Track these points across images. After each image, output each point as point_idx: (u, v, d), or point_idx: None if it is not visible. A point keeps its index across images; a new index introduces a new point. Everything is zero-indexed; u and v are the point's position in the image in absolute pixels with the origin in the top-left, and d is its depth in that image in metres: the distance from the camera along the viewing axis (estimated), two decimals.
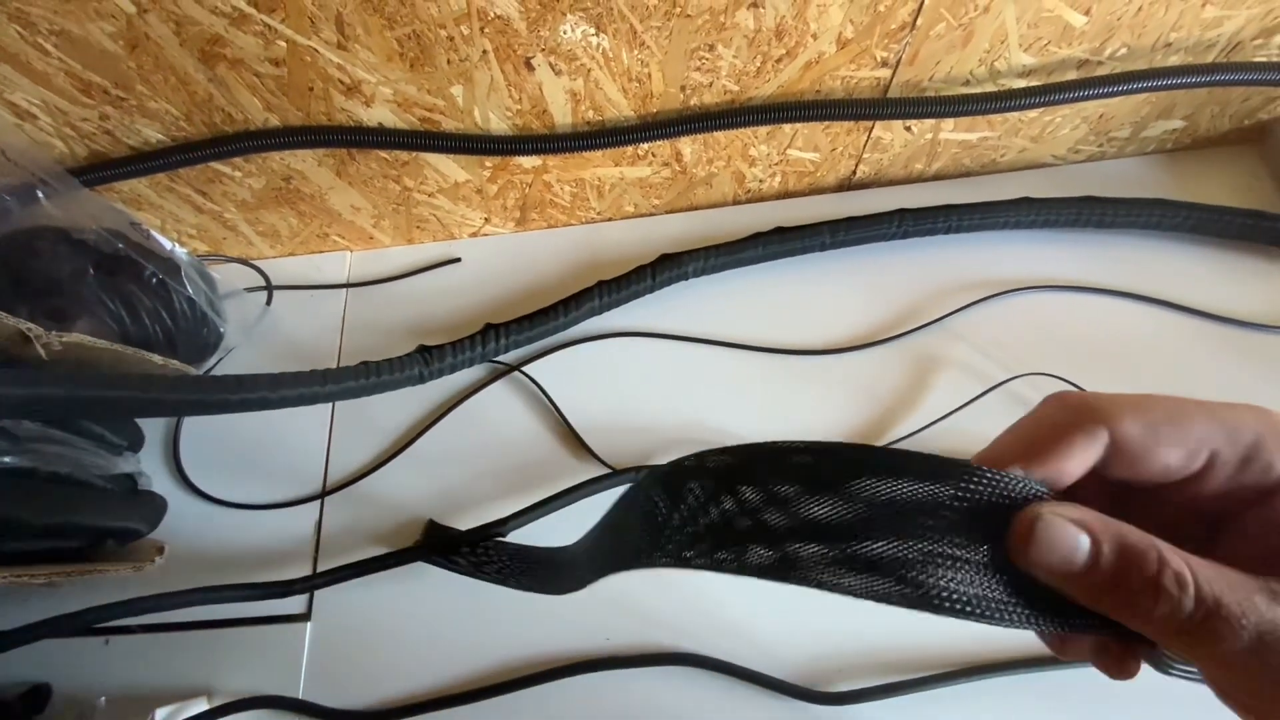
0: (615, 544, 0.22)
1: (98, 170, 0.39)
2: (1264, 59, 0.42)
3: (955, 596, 0.14)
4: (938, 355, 0.43)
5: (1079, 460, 0.14)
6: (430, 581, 0.39)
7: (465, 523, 0.40)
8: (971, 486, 0.14)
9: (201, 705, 0.36)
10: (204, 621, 0.38)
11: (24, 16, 0.32)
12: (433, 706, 0.36)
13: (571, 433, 0.42)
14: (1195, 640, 0.13)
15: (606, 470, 0.41)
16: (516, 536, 0.39)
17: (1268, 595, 0.13)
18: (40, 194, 0.36)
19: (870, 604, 0.15)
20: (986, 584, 0.14)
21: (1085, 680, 0.34)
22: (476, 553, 0.37)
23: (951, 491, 0.14)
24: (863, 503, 0.15)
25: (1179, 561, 0.13)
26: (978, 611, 0.14)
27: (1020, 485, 0.15)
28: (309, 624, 0.39)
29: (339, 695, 0.36)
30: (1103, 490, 0.16)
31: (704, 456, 0.18)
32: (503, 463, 0.42)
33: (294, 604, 0.39)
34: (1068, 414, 0.15)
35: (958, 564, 0.14)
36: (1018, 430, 0.15)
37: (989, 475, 0.14)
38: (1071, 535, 0.14)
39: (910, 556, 0.14)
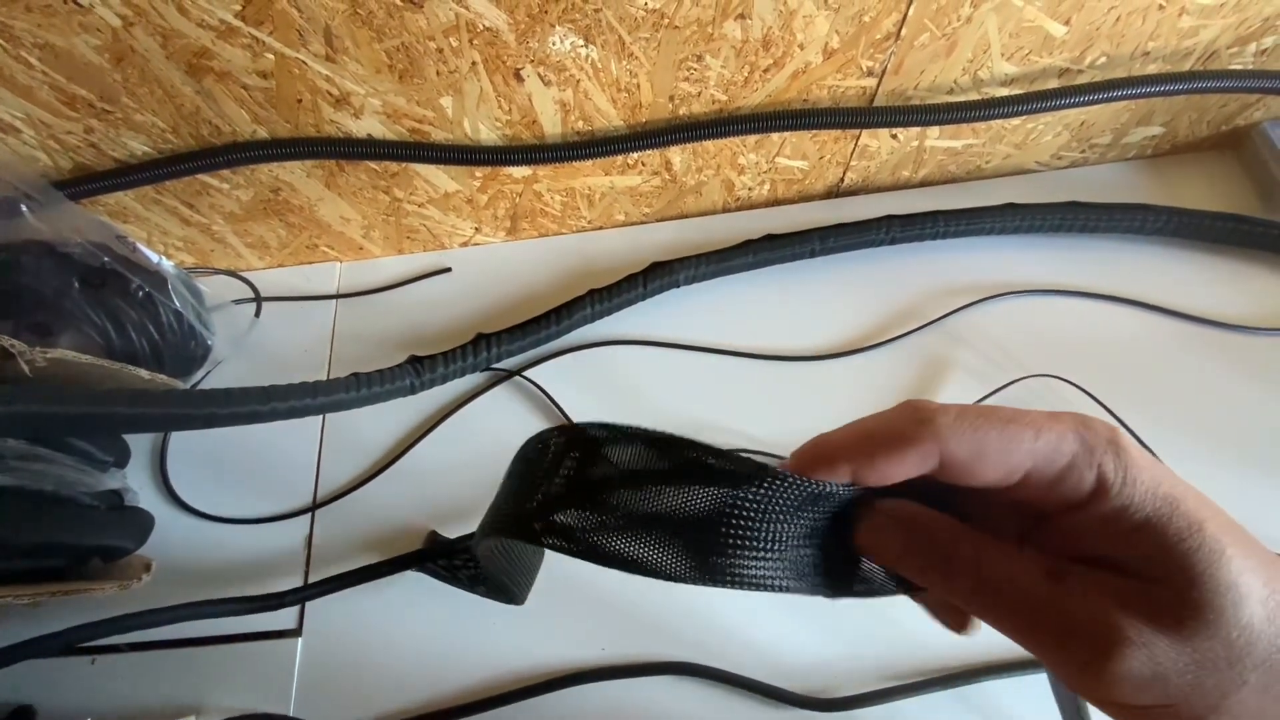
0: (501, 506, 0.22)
1: (82, 183, 0.39)
2: (1240, 66, 0.43)
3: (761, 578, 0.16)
4: (924, 360, 0.44)
5: (906, 469, 0.16)
6: (423, 595, 0.38)
7: (462, 532, 0.39)
8: (778, 485, 0.16)
9: None
10: (192, 639, 0.38)
11: (7, 30, 0.32)
12: None
13: None
14: (981, 606, 0.16)
15: None
16: None
17: (1049, 578, 0.15)
18: (24, 208, 0.36)
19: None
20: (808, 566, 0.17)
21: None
22: (459, 561, 0.37)
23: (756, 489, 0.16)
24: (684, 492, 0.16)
25: (968, 549, 0.16)
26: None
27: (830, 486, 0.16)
28: (300, 639, 0.38)
29: (331, 712, 0.36)
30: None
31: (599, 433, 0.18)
32: (501, 469, 0.42)
33: (285, 619, 0.38)
34: (909, 425, 0.16)
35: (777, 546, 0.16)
36: (863, 426, 0.17)
37: (793, 480, 0.16)
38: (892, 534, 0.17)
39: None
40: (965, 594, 0.16)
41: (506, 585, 0.31)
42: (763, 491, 0.16)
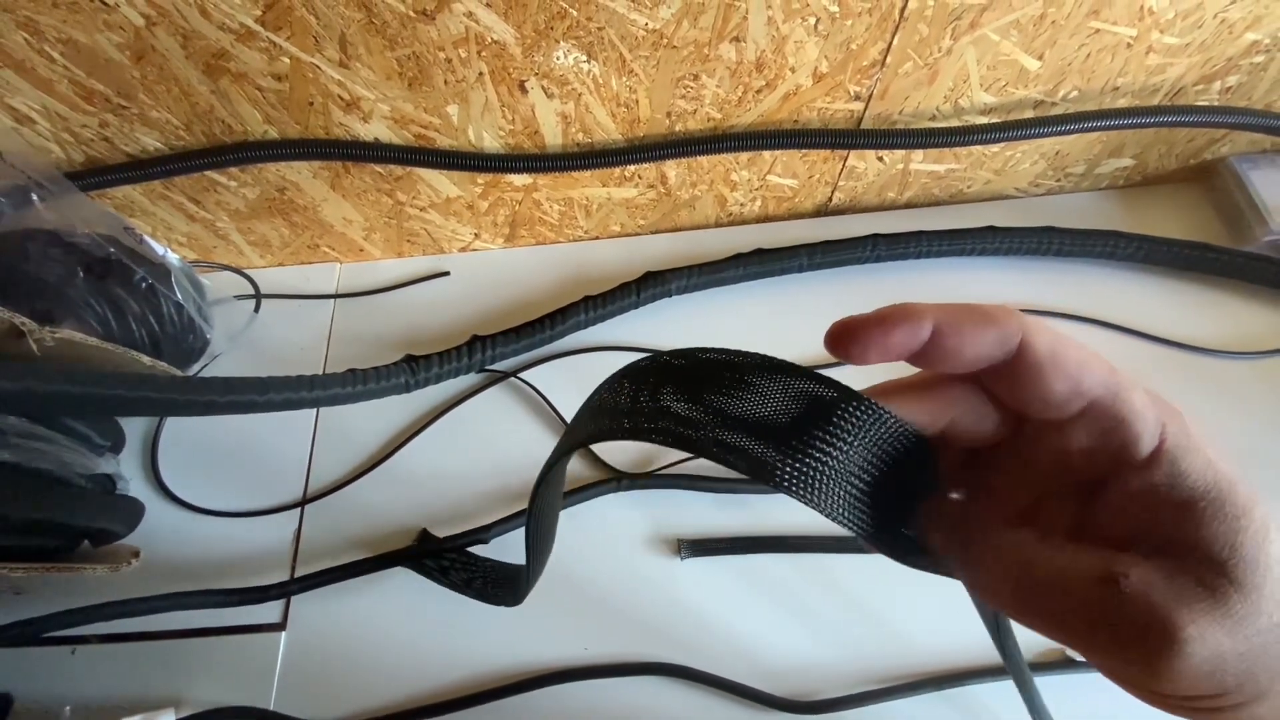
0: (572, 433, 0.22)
1: (93, 176, 0.40)
2: (1206, 103, 0.45)
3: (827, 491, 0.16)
4: (905, 374, 0.45)
5: (987, 343, 0.16)
6: (408, 592, 0.39)
7: (451, 530, 0.40)
8: (853, 412, 0.16)
9: (169, 716, 0.35)
10: (175, 631, 0.38)
11: (32, 24, 0.33)
12: (408, 718, 0.35)
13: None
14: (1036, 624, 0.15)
15: (600, 474, 0.41)
16: (502, 542, 0.39)
17: (1103, 587, 0.14)
18: (35, 197, 0.37)
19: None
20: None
21: (1059, 688, 0.35)
22: (447, 561, 0.38)
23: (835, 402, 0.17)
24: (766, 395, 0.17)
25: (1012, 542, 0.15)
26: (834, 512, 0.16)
27: (894, 423, 0.16)
28: (284, 634, 0.38)
29: (311, 706, 0.36)
30: (967, 460, 0.18)
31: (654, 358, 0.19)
32: (492, 469, 0.43)
33: (269, 612, 0.38)
34: (999, 309, 0.16)
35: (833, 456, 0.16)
36: (959, 305, 0.17)
37: (868, 408, 0.16)
38: None
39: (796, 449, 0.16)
40: (1006, 594, 0.15)
41: (512, 578, 0.31)
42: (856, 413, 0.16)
